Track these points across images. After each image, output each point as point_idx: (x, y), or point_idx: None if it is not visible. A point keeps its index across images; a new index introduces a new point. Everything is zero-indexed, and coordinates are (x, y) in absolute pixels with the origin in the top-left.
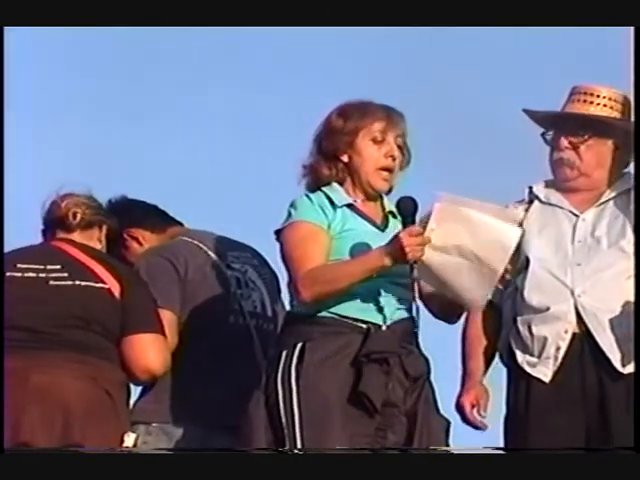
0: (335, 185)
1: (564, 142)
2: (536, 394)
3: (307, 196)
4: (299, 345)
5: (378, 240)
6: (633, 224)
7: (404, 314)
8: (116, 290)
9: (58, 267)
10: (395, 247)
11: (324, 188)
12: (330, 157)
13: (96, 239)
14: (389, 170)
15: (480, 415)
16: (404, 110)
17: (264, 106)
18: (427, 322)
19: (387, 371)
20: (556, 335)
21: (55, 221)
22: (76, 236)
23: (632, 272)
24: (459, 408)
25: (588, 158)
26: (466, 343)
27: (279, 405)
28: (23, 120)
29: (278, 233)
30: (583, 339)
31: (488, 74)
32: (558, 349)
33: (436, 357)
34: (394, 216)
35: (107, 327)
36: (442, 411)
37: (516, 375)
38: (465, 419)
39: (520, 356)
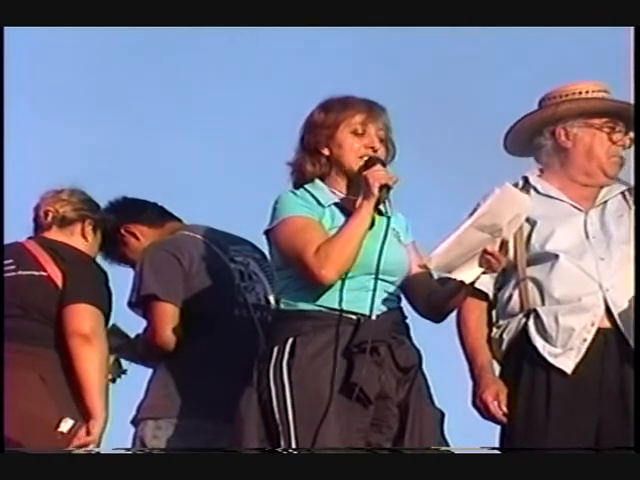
0: (318, 182)
1: (618, 137)
2: (555, 385)
3: (293, 192)
4: (290, 340)
5: (367, 236)
6: (633, 224)
7: (393, 305)
8: (57, 277)
9: (11, 261)
10: (364, 186)
11: (307, 186)
12: (312, 151)
13: (78, 234)
14: None
15: (502, 410)
16: (405, 110)
17: (262, 105)
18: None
19: (378, 362)
20: (583, 327)
21: (35, 222)
22: (53, 233)
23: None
24: (481, 404)
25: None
26: (469, 337)
27: (272, 401)
28: (23, 120)
29: (268, 233)
30: (607, 333)
31: (488, 74)
32: (584, 341)
33: (429, 349)
34: (380, 213)
35: (45, 313)
36: (437, 403)
37: (532, 366)
38: (489, 415)
39: (542, 346)
